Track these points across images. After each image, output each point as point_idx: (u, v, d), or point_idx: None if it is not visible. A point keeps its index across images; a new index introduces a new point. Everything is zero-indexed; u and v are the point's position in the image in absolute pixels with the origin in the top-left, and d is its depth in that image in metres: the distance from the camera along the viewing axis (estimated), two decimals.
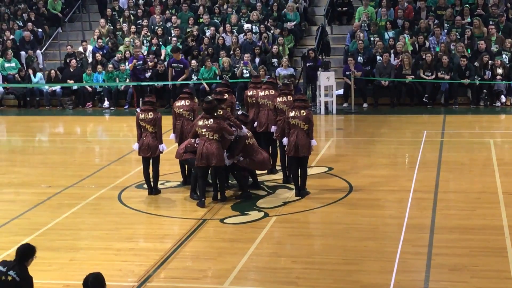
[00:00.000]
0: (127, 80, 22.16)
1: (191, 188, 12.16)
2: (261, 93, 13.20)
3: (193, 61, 21.75)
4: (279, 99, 12.78)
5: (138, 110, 12.28)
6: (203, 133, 11.53)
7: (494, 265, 8.89)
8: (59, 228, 10.83)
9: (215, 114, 11.68)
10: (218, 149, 11.47)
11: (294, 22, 23.47)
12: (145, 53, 22.99)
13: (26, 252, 7.20)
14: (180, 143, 12.64)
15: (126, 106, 22.12)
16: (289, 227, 10.63)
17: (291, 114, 11.87)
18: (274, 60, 21.74)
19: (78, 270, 9.11)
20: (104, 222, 11.12)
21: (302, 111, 11.83)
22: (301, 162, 11.95)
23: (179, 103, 12.70)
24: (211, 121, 11.52)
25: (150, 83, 21.67)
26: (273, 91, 13.12)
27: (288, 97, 12.69)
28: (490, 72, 20.30)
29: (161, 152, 12.23)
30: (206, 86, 21.03)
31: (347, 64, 21.06)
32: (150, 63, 21.96)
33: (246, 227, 10.65)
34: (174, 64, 20.99)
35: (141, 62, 21.69)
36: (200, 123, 11.61)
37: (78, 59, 23.14)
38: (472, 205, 11.35)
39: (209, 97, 12.06)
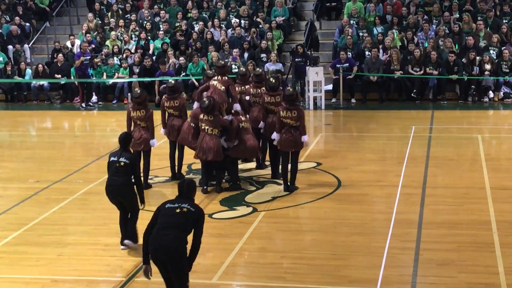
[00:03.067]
0: (116, 74, 22.13)
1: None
2: (252, 91, 13.19)
3: (181, 58, 21.73)
4: (267, 99, 12.76)
5: (129, 106, 12.34)
6: (203, 127, 11.78)
7: (482, 260, 8.92)
8: (46, 223, 10.79)
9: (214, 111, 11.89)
10: (216, 145, 11.71)
11: (283, 17, 23.47)
12: (133, 48, 22.96)
13: (126, 139, 9.50)
14: (170, 138, 12.70)
15: (115, 101, 22.07)
16: (277, 222, 10.64)
17: (283, 114, 11.91)
18: (263, 55, 21.72)
19: (66, 266, 9.10)
20: (92, 217, 11.09)
21: (293, 111, 11.87)
22: (292, 157, 11.98)
23: (168, 103, 12.71)
24: (210, 117, 11.75)
25: (139, 79, 21.62)
26: (264, 89, 13.09)
27: (276, 97, 12.66)
28: (478, 68, 20.37)
29: (151, 147, 12.26)
30: (195, 81, 21.00)
31: (337, 58, 21.08)
32: (97, 60, 22.01)
33: (235, 222, 10.64)
34: (161, 77, 20.94)
35: (89, 58, 21.72)
36: (201, 116, 11.87)
37: (64, 53, 23.02)
38: (460, 200, 11.39)
39: (205, 100, 11.95)
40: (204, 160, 11.87)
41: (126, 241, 9.45)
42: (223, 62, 12.92)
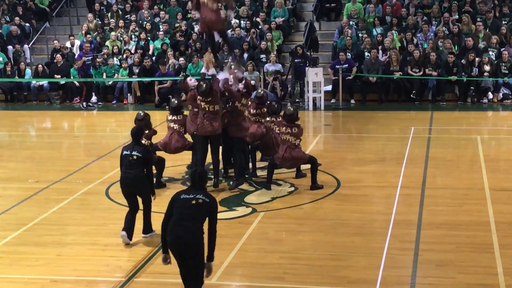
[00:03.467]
0: (116, 75, 22.14)
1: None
2: (253, 111, 13.14)
3: (181, 58, 21.73)
4: (252, 111, 12.71)
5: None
6: (203, 106, 12.00)
7: (481, 261, 8.93)
8: (46, 223, 10.79)
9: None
10: (216, 120, 12.00)
11: (283, 18, 23.48)
12: (133, 49, 22.96)
13: (138, 133, 9.79)
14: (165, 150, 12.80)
15: (114, 101, 22.08)
16: (277, 223, 10.64)
17: (282, 129, 11.97)
18: (263, 56, 21.73)
19: (65, 266, 9.10)
20: (92, 217, 11.09)
21: (294, 128, 11.96)
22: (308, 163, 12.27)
23: (171, 117, 12.71)
24: (209, 98, 12.00)
25: (138, 79, 21.64)
26: (264, 109, 13.07)
27: (278, 117, 12.68)
28: (477, 69, 20.39)
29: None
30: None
31: (336, 59, 21.10)
32: (99, 60, 22.01)
33: (234, 223, 10.65)
34: (160, 78, 20.96)
35: (91, 58, 21.72)
36: (199, 97, 12.08)
37: (64, 53, 23.01)
38: (459, 201, 11.40)
39: (202, 84, 11.98)
40: (204, 136, 12.04)
41: (143, 235, 9.89)
42: None
